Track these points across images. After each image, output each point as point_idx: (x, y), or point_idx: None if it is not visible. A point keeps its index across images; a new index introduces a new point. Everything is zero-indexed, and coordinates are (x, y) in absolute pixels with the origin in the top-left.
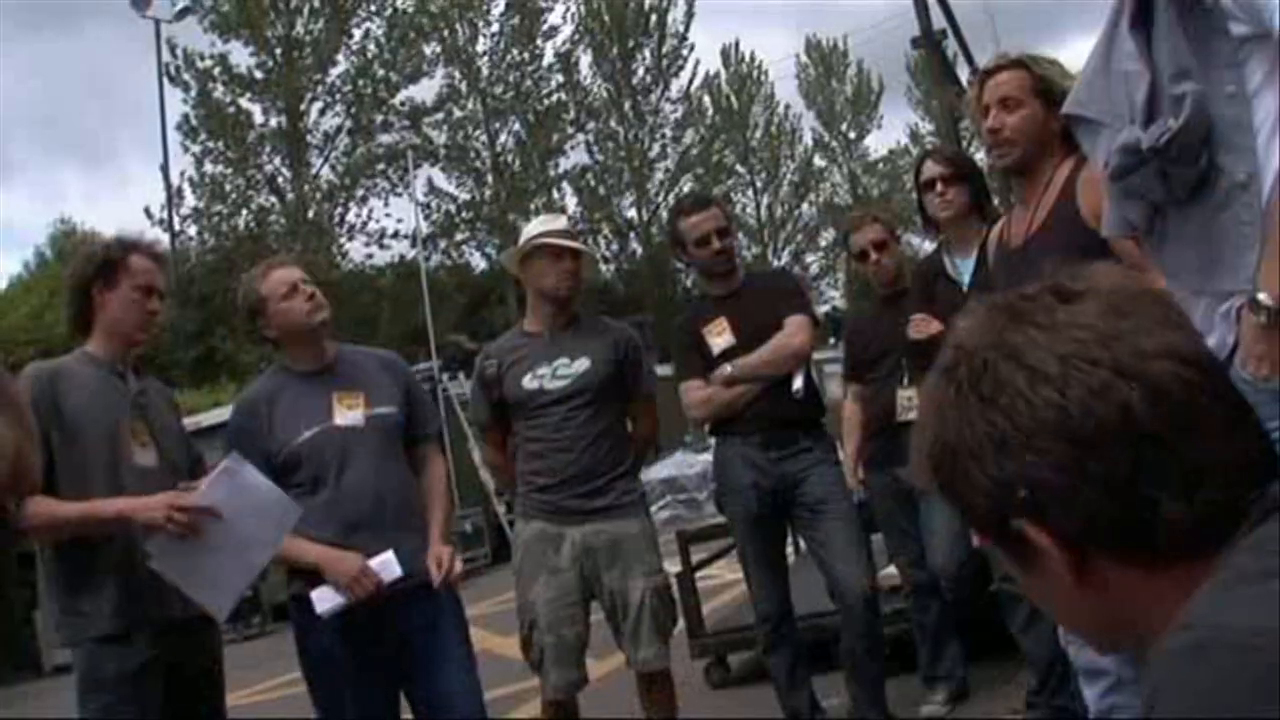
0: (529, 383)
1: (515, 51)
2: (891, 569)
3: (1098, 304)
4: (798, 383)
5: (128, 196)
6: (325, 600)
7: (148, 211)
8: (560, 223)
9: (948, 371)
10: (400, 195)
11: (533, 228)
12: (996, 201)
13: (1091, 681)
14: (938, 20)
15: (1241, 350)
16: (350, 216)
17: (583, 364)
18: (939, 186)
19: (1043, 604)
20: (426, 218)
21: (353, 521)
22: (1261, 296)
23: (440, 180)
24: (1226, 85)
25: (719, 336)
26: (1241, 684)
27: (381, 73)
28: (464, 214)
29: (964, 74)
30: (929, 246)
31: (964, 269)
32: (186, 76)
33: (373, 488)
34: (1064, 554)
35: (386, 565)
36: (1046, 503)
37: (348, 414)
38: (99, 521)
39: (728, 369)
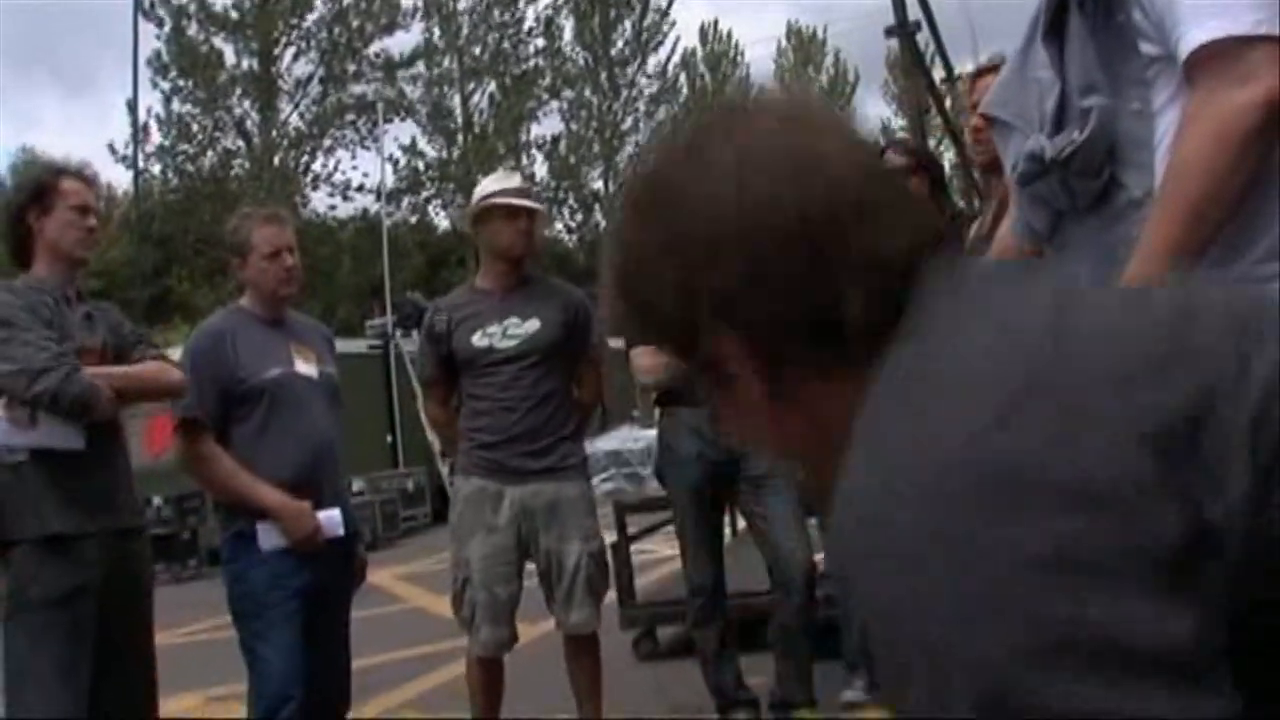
0: (479, 340)
1: (497, 12)
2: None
3: (775, 116)
4: None
5: (105, 128)
6: (270, 538)
7: (111, 147)
8: (514, 180)
9: (629, 194)
10: (369, 149)
11: (486, 186)
12: (959, 199)
13: None
14: (915, 13)
15: None
16: (316, 166)
17: (533, 325)
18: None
19: (743, 431)
20: (395, 172)
21: (306, 464)
22: None
23: (410, 136)
24: (1133, 102)
25: None
26: (953, 499)
27: (357, 22)
28: (430, 172)
29: (939, 70)
30: None
31: None
32: (161, 12)
33: (327, 436)
34: (753, 361)
35: (332, 522)
36: (732, 310)
37: (304, 365)
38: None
39: None
